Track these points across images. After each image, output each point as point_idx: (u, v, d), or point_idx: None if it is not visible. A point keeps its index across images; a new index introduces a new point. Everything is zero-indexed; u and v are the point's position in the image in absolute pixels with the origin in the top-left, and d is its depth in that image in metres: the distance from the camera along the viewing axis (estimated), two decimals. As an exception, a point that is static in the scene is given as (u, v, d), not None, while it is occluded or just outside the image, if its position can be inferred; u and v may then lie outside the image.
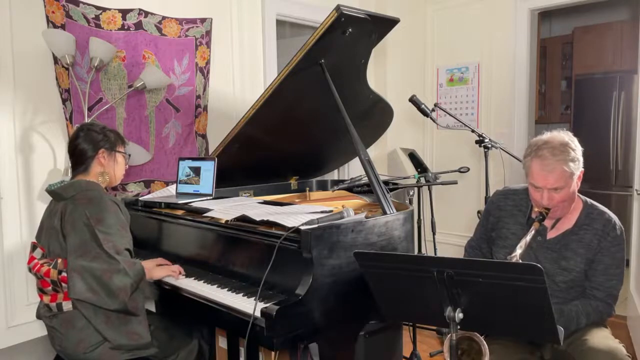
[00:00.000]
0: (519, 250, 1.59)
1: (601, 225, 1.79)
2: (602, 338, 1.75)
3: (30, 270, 1.95)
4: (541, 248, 1.83)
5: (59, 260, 1.86)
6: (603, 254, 1.78)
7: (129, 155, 2.16)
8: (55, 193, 1.94)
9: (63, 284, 1.84)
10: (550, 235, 1.84)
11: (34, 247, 2.00)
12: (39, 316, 2.02)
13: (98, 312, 1.82)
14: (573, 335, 1.78)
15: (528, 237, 1.65)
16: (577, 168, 1.72)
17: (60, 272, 1.84)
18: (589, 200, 1.87)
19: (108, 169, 2.02)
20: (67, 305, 1.86)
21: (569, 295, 1.81)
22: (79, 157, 2.00)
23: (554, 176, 1.69)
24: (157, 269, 2.08)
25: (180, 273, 2.07)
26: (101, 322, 1.83)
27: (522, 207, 1.92)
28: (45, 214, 2.02)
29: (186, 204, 2.32)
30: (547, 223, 1.82)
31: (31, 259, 1.96)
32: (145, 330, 1.89)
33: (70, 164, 2.06)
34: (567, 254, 1.80)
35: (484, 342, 1.45)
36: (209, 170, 2.43)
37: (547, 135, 1.77)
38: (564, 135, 1.75)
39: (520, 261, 1.55)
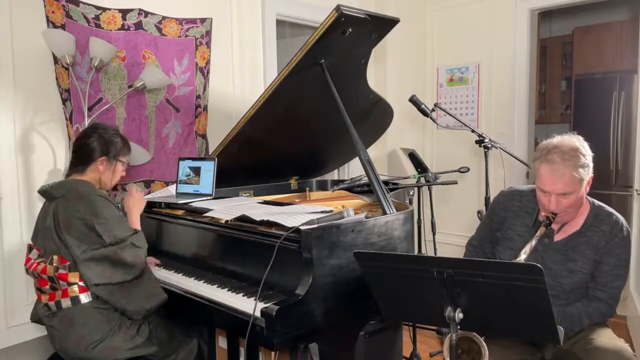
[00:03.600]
0: (523, 255, 1.59)
1: (609, 227, 1.79)
2: (608, 338, 1.75)
3: (27, 271, 1.96)
4: (548, 250, 1.82)
5: (55, 257, 1.87)
6: (610, 255, 1.77)
7: (128, 163, 2.17)
8: (47, 193, 1.95)
9: (61, 282, 1.84)
10: (558, 237, 1.83)
11: (30, 248, 2.01)
12: (35, 319, 2.02)
13: (113, 290, 1.84)
14: (578, 334, 1.78)
15: (533, 242, 1.64)
16: (587, 174, 1.71)
17: (57, 269, 1.85)
18: (596, 201, 1.87)
19: (104, 176, 2.04)
20: (65, 303, 1.86)
21: (574, 297, 1.80)
22: (80, 156, 2.02)
23: (563, 182, 1.68)
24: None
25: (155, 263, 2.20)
26: (120, 299, 1.86)
27: (528, 208, 1.91)
28: (39, 216, 2.02)
29: (186, 204, 2.32)
30: (554, 226, 1.81)
31: (27, 260, 1.97)
32: (157, 285, 1.97)
33: (69, 162, 2.07)
34: (575, 255, 1.79)
35: (483, 343, 1.45)
36: (209, 170, 2.43)
37: (557, 139, 1.75)
38: (575, 140, 1.73)
39: None
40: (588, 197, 1.85)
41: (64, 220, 1.85)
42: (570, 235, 1.82)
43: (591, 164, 1.72)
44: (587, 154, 1.72)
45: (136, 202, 2.14)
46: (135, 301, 1.87)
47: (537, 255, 1.81)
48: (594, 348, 1.71)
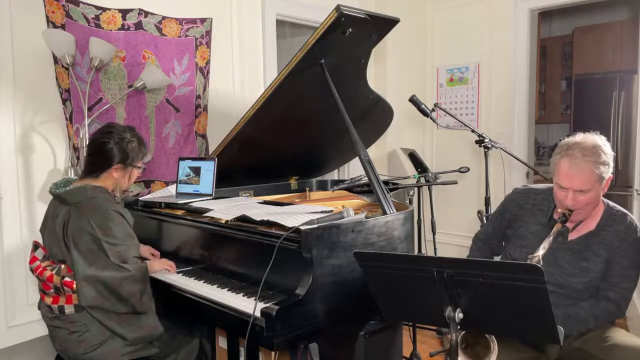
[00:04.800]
0: (541, 252, 1.58)
1: (623, 227, 1.79)
2: (625, 335, 1.76)
3: (32, 271, 1.94)
4: (562, 249, 1.82)
5: (62, 266, 1.86)
6: (622, 256, 1.77)
7: (144, 168, 2.14)
8: (60, 197, 1.92)
9: (66, 288, 1.84)
10: (572, 236, 1.83)
11: (35, 246, 2.00)
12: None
13: (110, 314, 1.83)
14: (587, 333, 1.78)
15: (551, 238, 1.64)
16: (606, 172, 1.71)
17: (63, 278, 1.84)
18: (610, 202, 1.87)
19: (119, 181, 2.02)
20: (69, 309, 1.86)
21: (584, 296, 1.80)
22: (97, 161, 1.97)
23: (581, 177, 1.68)
24: (154, 263, 2.11)
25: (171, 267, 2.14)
26: (114, 323, 1.84)
27: (543, 206, 1.91)
28: (49, 210, 2.00)
29: (186, 204, 2.32)
30: (569, 224, 1.81)
31: (33, 259, 1.96)
32: (156, 321, 1.92)
33: (75, 160, 2.05)
34: (588, 254, 1.79)
35: (494, 339, 1.45)
36: (209, 170, 2.43)
37: (579, 137, 1.76)
38: (597, 138, 1.74)
39: (542, 262, 1.54)
40: (603, 198, 1.85)
41: (74, 233, 1.82)
42: (585, 235, 1.82)
43: (612, 163, 1.72)
44: (608, 153, 1.72)
45: (160, 266, 2.13)
46: (130, 330, 1.86)
47: (550, 254, 1.81)
48: (613, 346, 1.71)
